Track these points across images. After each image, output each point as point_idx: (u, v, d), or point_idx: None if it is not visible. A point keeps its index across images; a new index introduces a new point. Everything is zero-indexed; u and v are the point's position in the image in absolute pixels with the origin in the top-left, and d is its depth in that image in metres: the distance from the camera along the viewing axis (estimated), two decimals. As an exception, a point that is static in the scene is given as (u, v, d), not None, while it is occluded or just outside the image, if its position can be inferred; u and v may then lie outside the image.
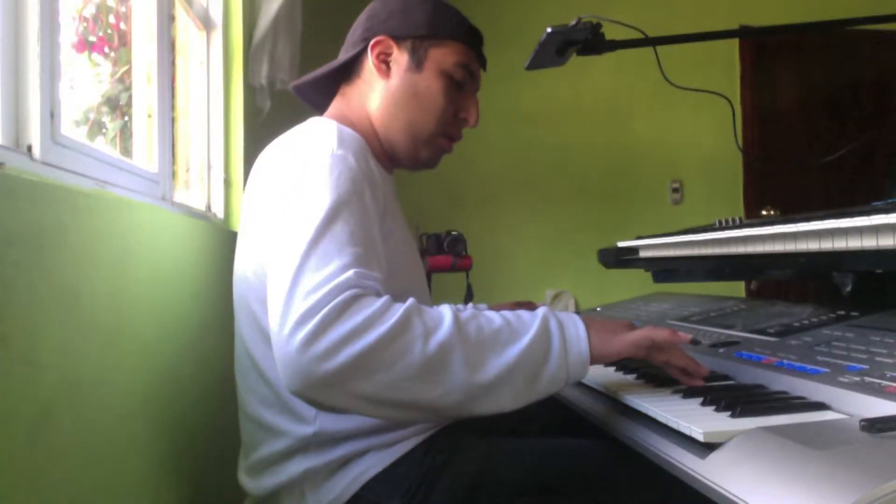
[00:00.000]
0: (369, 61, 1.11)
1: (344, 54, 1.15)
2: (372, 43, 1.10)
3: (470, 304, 1.58)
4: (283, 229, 0.86)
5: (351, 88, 1.14)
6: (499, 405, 0.82)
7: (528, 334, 0.83)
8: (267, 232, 0.93)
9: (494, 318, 0.85)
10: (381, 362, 0.75)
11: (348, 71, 1.15)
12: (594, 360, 0.87)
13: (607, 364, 0.90)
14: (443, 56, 1.11)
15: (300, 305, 0.75)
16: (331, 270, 0.78)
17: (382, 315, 0.76)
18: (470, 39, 1.14)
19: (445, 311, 0.82)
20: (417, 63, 1.10)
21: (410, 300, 0.81)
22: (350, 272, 0.78)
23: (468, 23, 1.15)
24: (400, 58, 1.10)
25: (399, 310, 0.78)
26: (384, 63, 1.11)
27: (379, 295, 0.80)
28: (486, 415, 0.82)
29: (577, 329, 0.87)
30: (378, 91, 1.11)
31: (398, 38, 1.10)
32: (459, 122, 1.15)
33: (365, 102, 1.12)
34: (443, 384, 0.78)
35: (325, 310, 0.74)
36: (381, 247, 0.90)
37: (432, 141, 1.13)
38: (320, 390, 0.74)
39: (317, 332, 0.73)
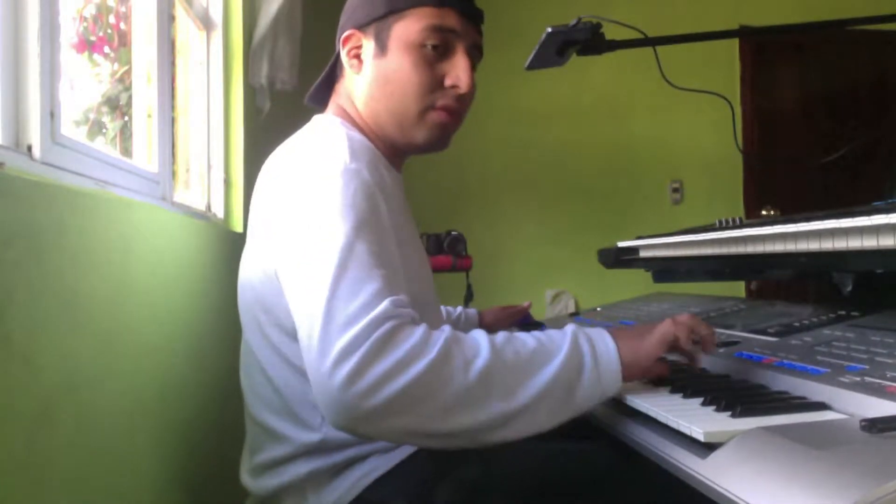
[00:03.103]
0: (344, 59, 1.09)
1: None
2: (342, 39, 1.08)
3: (460, 308, 1.57)
4: (304, 254, 0.84)
5: (340, 86, 1.13)
6: (537, 425, 0.81)
7: (560, 354, 0.83)
8: (277, 243, 0.91)
9: (527, 340, 0.84)
10: (424, 395, 0.75)
11: (337, 71, 1.13)
12: (626, 369, 0.86)
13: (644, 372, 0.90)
14: (406, 28, 1.02)
15: (339, 340, 0.74)
16: (365, 299, 0.77)
17: (423, 348, 0.76)
18: None
19: (481, 338, 0.82)
20: (382, 47, 1.03)
21: (447, 329, 0.81)
22: (386, 302, 0.77)
23: None
24: (368, 47, 1.06)
25: (439, 341, 0.78)
26: (356, 58, 1.07)
27: (415, 322, 0.79)
28: (523, 437, 0.82)
29: (606, 343, 0.86)
30: (356, 86, 1.08)
31: (363, 28, 1.06)
32: (448, 90, 1.03)
33: (352, 100, 1.10)
34: (482, 411, 0.78)
35: (367, 345, 0.74)
36: (399, 262, 0.88)
37: (422, 119, 1.04)
38: (363, 425, 0.75)
39: (359, 368, 0.73)
